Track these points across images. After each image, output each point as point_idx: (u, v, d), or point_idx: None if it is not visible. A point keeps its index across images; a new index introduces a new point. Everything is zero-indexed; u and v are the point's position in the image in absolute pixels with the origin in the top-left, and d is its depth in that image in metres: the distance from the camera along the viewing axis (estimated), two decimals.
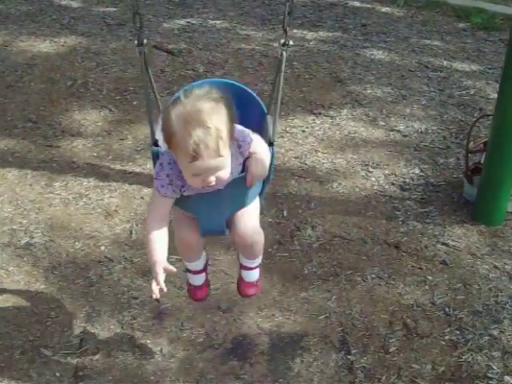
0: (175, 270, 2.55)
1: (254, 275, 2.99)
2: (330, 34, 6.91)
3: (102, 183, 4.44)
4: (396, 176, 4.57)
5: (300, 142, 4.96)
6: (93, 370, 3.12)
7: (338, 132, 5.08)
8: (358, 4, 7.83)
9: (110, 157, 4.73)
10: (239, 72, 5.96)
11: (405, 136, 5.06)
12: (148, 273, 3.66)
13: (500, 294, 3.59)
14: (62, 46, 6.44)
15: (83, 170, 4.59)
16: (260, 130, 2.68)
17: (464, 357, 3.20)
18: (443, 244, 3.94)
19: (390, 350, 3.23)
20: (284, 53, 2.58)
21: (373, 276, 3.69)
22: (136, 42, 2.55)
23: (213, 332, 3.34)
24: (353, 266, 3.76)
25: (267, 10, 7.59)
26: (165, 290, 2.52)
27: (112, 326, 3.36)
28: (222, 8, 7.59)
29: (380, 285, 3.64)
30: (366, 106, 5.47)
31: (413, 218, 4.16)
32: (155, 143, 2.59)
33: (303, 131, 5.09)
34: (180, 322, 3.39)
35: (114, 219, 4.10)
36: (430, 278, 3.69)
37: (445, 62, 6.36)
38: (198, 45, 6.51)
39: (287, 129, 5.10)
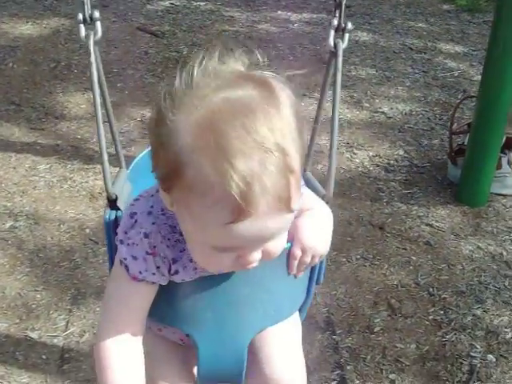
0: None
1: None
2: (315, 16, 6.89)
3: (86, 166, 4.42)
4: (380, 157, 4.59)
5: None
6: (79, 353, 3.12)
7: (322, 114, 5.06)
8: None
9: (94, 139, 4.69)
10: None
11: (389, 117, 5.08)
12: None
13: (483, 274, 3.62)
14: (45, 27, 6.38)
15: (67, 152, 4.57)
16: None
17: (448, 336, 3.23)
18: (427, 225, 3.97)
19: (375, 330, 3.26)
20: (341, 43, 1.80)
21: (357, 257, 3.72)
22: (80, 16, 1.72)
23: None
24: (337, 248, 3.77)
25: None
26: None
27: (98, 308, 3.34)
28: None
29: (365, 266, 3.66)
30: (351, 88, 5.47)
31: (397, 200, 4.18)
32: (112, 202, 1.63)
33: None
34: None
35: (98, 201, 4.08)
36: (414, 258, 3.72)
37: (429, 44, 6.37)
38: (182, 26, 6.47)
39: None
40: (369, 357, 3.13)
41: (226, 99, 1.19)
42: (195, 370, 1.56)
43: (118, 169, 2.11)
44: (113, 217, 1.56)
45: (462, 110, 5.03)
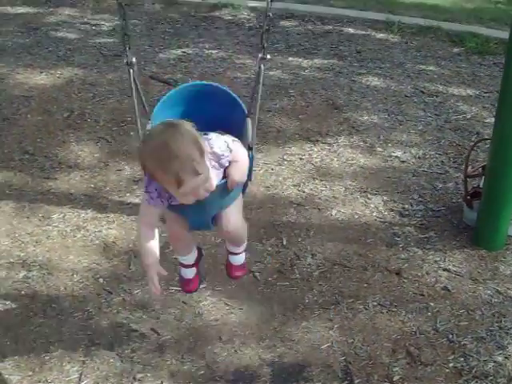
0: (166, 272, 2.73)
1: (240, 259, 3.25)
2: (326, 62, 6.94)
3: (99, 215, 4.41)
4: (395, 202, 4.55)
5: (298, 169, 4.94)
6: None
7: (335, 159, 5.07)
8: (352, 31, 7.87)
9: (108, 188, 4.71)
10: None
11: (403, 162, 5.06)
12: (147, 305, 3.63)
13: (503, 319, 3.56)
14: (59, 77, 6.45)
15: (81, 201, 4.57)
16: (241, 131, 2.93)
17: None
18: (444, 270, 3.92)
19: (394, 379, 3.19)
20: (262, 66, 2.89)
21: (374, 304, 3.66)
22: (125, 61, 2.83)
23: (214, 364, 3.29)
24: (354, 294, 3.72)
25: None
26: (164, 272, 2.72)
27: (111, 360, 3.31)
28: (218, 38, 7.61)
29: (382, 312, 3.60)
30: (363, 133, 5.47)
31: (413, 244, 4.13)
32: None
33: (301, 159, 5.08)
34: (180, 355, 3.35)
35: (112, 251, 4.07)
36: (432, 304, 3.66)
37: (440, 87, 6.38)
38: (194, 74, 6.52)
39: (285, 157, 5.09)
40: None
41: (159, 143, 2.37)
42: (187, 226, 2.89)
43: None
44: None
45: (477, 152, 5.01)
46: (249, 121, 2.99)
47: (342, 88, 6.26)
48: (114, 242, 4.13)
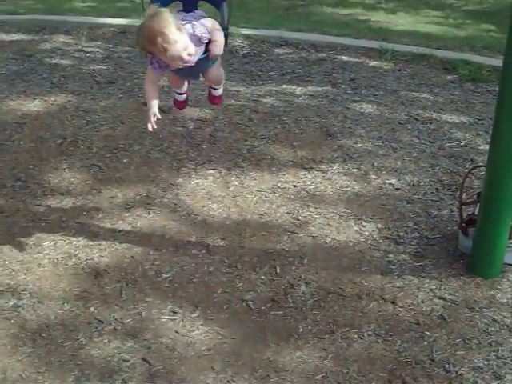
0: (160, 116, 3.74)
1: (219, 91, 4.40)
2: (319, 89, 6.94)
3: (91, 242, 4.37)
4: (390, 230, 4.52)
5: (292, 197, 4.91)
6: None
7: (329, 186, 5.05)
8: (346, 58, 7.88)
9: (100, 215, 4.66)
10: (229, 128, 5.95)
11: (397, 189, 5.03)
12: (139, 334, 3.58)
13: (500, 348, 3.51)
14: (52, 104, 6.43)
15: (72, 228, 4.52)
16: (220, 14, 3.80)
17: None
18: (440, 298, 3.87)
19: None
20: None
21: (369, 333, 3.61)
22: None
23: None
24: (349, 323, 3.67)
25: (256, 66, 7.63)
26: (159, 116, 3.72)
27: None
28: None
29: (377, 342, 3.55)
30: (358, 160, 5.45)
31: (408, 272, 4.09)
32: None
33: (295, 186, 5.05)
34: None
35: (103, 279, 4.02)
36: (428, 333, 3.61)
37: (434, 114, 6.38)
38: (189, 102, 6.49)
39: (279, 184, 5.06)
40: None
41: (147, 26, 3.36)
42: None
43: None
44: None
45: (471, 179, 4.99)
46: (224, 5, 3.79)
47: (336, 115, 6.25)
48: (105, 270, 4.08)
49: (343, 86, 7.04)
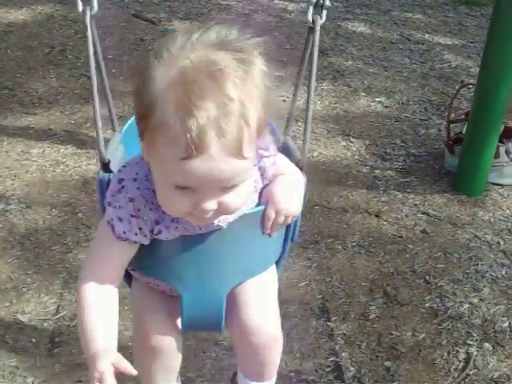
0: (135, 372, 1.52)
1: None
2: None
3: (79, 150, 4.36)
4: (377, 146, 4.54)
5: (281, 111, 4.89)
6: (69, 336, 3.07)
7: (319, 102, 5.03)
8: None
9: (88, 124, 4.64)
10: None
11: (386, 107, 5.03)
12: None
13: (480, 262, 3.59)
14: (40, 13, 6.30)
15: (60, 137, 4.51)
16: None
17: (444, 324, 3.19)
18: (424, 213, 3.93)
19: (370, 317, 3.22)
20: (319, 18, 1.92)
21: (353, 244, 3.68)
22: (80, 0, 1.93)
23: None
24: (333, 235, 3.73)
25: None
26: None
27: None
28: None
29: (360, 253, 3.62)
30: (348, 78, 5.42)
31: (393, 188, 4.14)
32: (104, 165, 1.78)
33: (284, 101, 5.01)
34: None
35: (91, 186, 4.02)
36: (410, 246, 3.68)
37: (426, 36, 6.32)
38: (179, 14, 6.41)
39: None
40: (364, 344, 3.09)
41: (201, 59, 1.35)
42: (179, 321, 1.74)
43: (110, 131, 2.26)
44: (106, 178, 1.70)
45: (460, 100, 4.99)
46: (289, 140, 2.13)
47: (328, 32, 6.17)
48: (93, 178, 4.08)
49: (336, 4, 6.91)
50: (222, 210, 1.44)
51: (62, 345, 3.03)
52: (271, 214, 1.65)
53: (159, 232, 1.56)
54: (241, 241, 1.64)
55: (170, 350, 1.74)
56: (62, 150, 4.36)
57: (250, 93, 1.37)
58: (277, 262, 1.90)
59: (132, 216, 1.52)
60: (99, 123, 1.88)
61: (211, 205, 1.40)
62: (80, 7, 1.90)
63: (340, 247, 3.65)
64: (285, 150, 1.91)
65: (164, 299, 1.73)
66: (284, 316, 3.14)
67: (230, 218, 1.56)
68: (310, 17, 1.91)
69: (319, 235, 3.72)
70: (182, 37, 1.40)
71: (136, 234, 1.55)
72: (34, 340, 3.04)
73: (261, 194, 1.68)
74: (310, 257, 3.57)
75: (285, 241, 1.86)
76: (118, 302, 1.66)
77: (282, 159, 1.79)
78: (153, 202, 1.53)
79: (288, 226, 1.80)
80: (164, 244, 1.59)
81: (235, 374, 2.02)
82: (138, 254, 1.62)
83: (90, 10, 1.90)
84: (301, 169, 1.86)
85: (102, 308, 1.59)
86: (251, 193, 1.61)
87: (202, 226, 1.57)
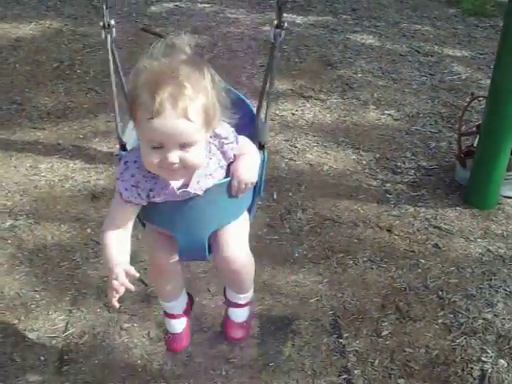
0: (138, 274, 2.10)
1: (242, 314, 2.69)
2: (320, 19, 6.82)
3: (88, 165, 4.35)
4: (387, 159, 4.51)
5: (290, 125, 4.88)
6: (78, 354, 3.05)
7: (328, 115, 5.01)
8: None
9: (97, 139, 4.63)
10: (228, 55, 5.87)
11: (396, 120, 5.00)
12: (136, 256, 3.57)
13: (493, 277, 3.54)
14: (48, 28, 6.33)
15: (69, 152, 4.50)
16: (250, 134, 2.35)
17: (458, 340, 3.14)
18: (435, 227, 3.89)
19: (383, 334, 3.17)
20: (278, 36, 2.23)
21: (364, 259, 3.63)
22: (101, 23, 2.19)
23: (202, 315, 3.26)
24: (344, 250, 3.69)
25: None
26: (132, 288, 2.08)
27: (98, 309, 3.28)
28: None
29: (372, 268, 3.58)
30: (357, 90, 5.40)
31: (404, 202, 4.10)
32: (122, 146, 2.36)
33: (293, 114, 5.01)
34: None
35: (100, 201, 4.01)
36: (422, 261, 3.63)
37: (436, 47, 6.30)
38: (187, 28, 6.40)
39: (277, 112, 5.02)
40: (377, 361, 3.04)
41: (164, 62, 1.95)
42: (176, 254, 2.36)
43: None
44: (121, 156, 2.25)
45: (471, 112, 4.95)
46: (260, 119, 2.44)
47: (337, 45, 6.17)
48: (102, 193, 4.07)
49: (344, 17, 6.93)
50: (184, 164, 1.98)
51: (71, 363, 3.00)
52: (234, 183, 2.20)
53: (153, 197, 2.14)
54: (214, 202, 2.22)
55: (171, 269, 2.41)
56: (71, 165, 4.35)
57: (198, 83, 1.94)
58: (249, 212, 2.48)
59: (133, 186, 2.12)
60: (118, 114, 2.39)
61: (174, 157, 1.95)
62: (103, 34, 2.23)
63: (351, 262, 3.61)
64: (254, 128, 2.41)
65: (166, 237, 2.34)
66: (295, 333, 3.16)
67: (204, 187, 2.13)
68: (271, 35, 2.26)
69: (330, 250, 3.68)
70: (153, 49, 2.01)
71: (136, 198, 2.14)
72: (42, 358, 3.02)
73: (229, 170, 2.21)
74: (320, 272, 3.53)
75: (253, 196, 2.44)
76: (129, 237, 2.22)
77: (244, 141, 2.26)
78: (147, 176, 2.10)
79: (254, 186, 2.36)
80: (161, 205, 2.18)
81: (225, 288, 2.73)
82: (148, 212, 2.24)
83: (111, 36, 2.25)
84: (262, 147, 2.36)
85: (117, 239, 2.17)
86: (216, 171, 2.16)
87: (184, 194, 2.13)
